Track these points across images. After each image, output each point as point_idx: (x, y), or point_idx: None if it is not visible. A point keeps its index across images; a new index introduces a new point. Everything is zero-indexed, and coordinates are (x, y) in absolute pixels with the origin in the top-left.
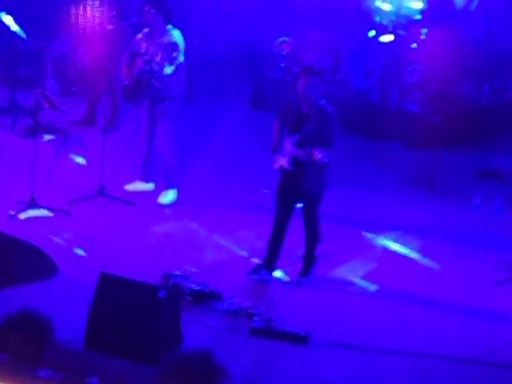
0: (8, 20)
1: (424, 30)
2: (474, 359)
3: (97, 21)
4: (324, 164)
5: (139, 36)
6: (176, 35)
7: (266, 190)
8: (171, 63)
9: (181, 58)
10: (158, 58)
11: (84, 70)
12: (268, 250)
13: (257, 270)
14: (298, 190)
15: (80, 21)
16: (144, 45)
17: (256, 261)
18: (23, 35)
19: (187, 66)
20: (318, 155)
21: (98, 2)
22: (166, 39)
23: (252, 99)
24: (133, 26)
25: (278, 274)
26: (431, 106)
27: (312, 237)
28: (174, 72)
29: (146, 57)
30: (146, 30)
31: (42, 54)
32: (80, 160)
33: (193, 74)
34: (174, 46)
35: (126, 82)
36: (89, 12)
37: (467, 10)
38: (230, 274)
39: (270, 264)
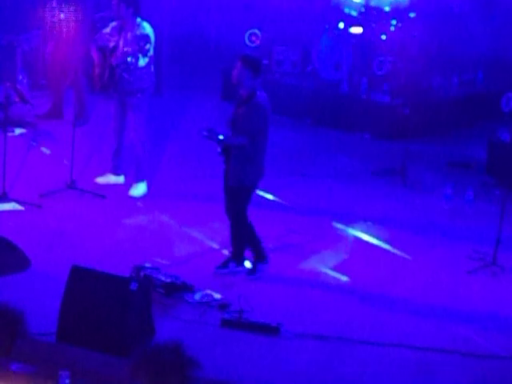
0: None
1: (393, 22)
2: (445, 348)
3: (62, 14)
4: (247, 156)
5: (107, 30)
6: (147, 27)
7: None
8: (145, 55)
9: (151, 51)
10: (130, 51)
11: (49, 63)
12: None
13: (225, 264)
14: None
15: (47, 14)
16: (114, 38)
17: (226, 252)
18: None
19: (156, 59)
20: (231, 140)
21: None
22: (137, 32)
23: (222, 91)
24: (103, 20)
25: (247, 264)
26: (401, 97)
27: (233, 234)
28: (146, 64)
29: (124, 49)
30: (114, 23)
31: (12, 47)
32: (50, 153)
33: (162, 66)
34: (146, 38)
35: (96, 76)
36: (55, 5)
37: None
38: (202, 265)
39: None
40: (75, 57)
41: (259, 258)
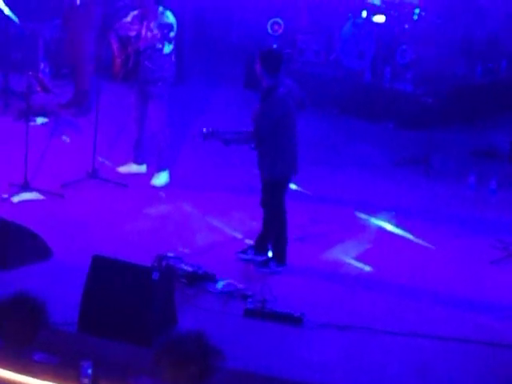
0: (0, 4)
1: (416, 10)
2: (469, 338)
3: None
4: (273, 150)
5: (128, 19)
6: (170, 16)
7: None
8: (170, 42)
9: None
10: (156, 37)
11: (68, 50)
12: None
13: (245, 250)
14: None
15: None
16: (134, 27)
17: (250, 242)
18: (15, 19)
19: (178, 47)
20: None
21: None
22: (161, 20)
23: (245, 79)
24: (125, 8)
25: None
26: (424, 86)
27: (265, 228)
28: (169, 52)
29: (148, 36)
30: (135, 12)
31: (35, 37)
32: (72, 143)
33: (184, 54)
34: (170, 27)
35: (118, 65)
36: None
37: None
38: (224, 255)
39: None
40: (84, 42)
41: (277, 258)
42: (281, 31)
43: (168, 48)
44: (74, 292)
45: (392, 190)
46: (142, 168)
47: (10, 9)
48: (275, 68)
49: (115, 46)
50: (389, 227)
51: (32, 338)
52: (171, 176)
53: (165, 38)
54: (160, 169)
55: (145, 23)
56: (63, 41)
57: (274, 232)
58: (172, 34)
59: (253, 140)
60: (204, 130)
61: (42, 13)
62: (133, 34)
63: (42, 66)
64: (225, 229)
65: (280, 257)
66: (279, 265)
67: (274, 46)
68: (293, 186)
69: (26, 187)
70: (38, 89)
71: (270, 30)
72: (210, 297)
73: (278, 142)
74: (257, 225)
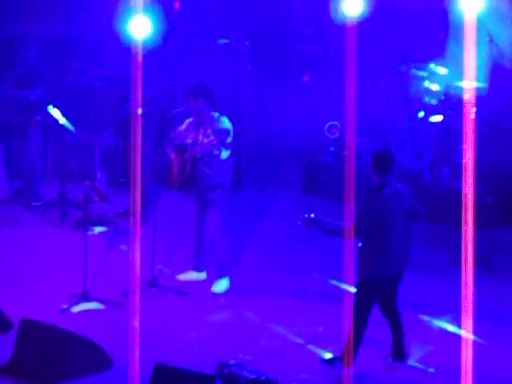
0: (56, 113)
1: (473, 109)
2: None
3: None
4: (367, 248)
5: (183, 126)
6: (225, 122)
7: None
8: (227, 148)
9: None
10: (213, 144)
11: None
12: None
13: (331, 361)
14: None
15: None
16: (190, 135)
17: (312, 348)
18: (71, 128)
19: (236, 153)
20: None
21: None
22: (217, 126)
23: (303, 184)
24: (180, 116)
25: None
26: (484, 184)
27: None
28: (226, 158)
29: (205, 142)
30: (190, 119)
31: (91, 146)
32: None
33: (242, 160)
34: (226, 132)
35: (175, 173)
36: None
37: None
38: (286, 361)
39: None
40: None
41: (344, 358)
42: (338, 134)
43: (225, 154)
44: None
45: (453, 290)
46: (202, 275)
47: (66, 118)
48: (384, 168)
49: (172, 154)
50: (451, 328)
51: None
52: (231, 282)
53: (222, 144)
54: (220, 275)
55: (201, 130)
56: (119, 149)
57: (353, 332)
58: (229, 140)
59: (353, 236)
60: (306, 215)
61: (97, 122)
62: (189, 141)
63: (98, 174)
64: (286, 334)
65: (346, 358)
66: (343, 366)
67: (331, 148)
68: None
69: (85, 297)
70: (96, 198)
71: (327, 133)
72: None
73: (374, 241)
74: (318, 329)
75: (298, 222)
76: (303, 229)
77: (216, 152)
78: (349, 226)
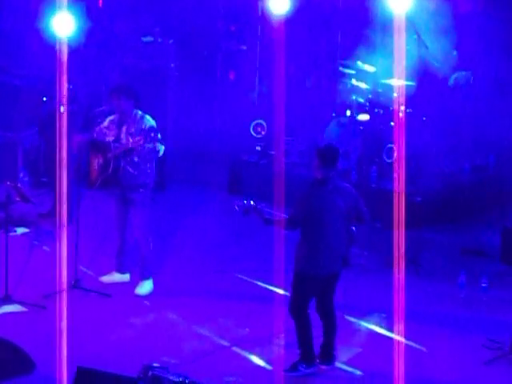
0: None
1: (402, 108)
2: None
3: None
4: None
5: (105, 124)
6: (149, 120)
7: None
8: (162, 143)
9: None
10: (136, 144)
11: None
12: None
13: (295, 366)
14: None
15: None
16: (111, 132)
17: (238, 350)
18: None
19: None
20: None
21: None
22: (143, 125)
23: (229, 184)
24: (103, 114)
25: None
26: (412, 185)
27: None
28: (148, 159)
29: (130, 141)
30: (111, 117)
31: (13, 145)
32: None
33: (166, 160)
34: (154, 129)
35: (95, 171)
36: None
37: (455, 87)
38: (212, 364)
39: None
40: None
41: (303, 359)
42: (264, 133)
43: (162, 149)
44: None
45: (382, 291)
46: (126, 277)
47: None
48: (330, 162)
49: (92, 152)
50: (379, 330)
51: None
52: (155, 284)
53: (155, 140)
54: (143, 277)
55: (124, 128)
56: (42, 149)
57: (297, 331)
58: (159, 135)
59: (288, 226)
60: (245, 201)
61: (20, 122)
62: (110, 139)
63: (21, 175)
64: (211, 336)
65: (308, 357)
66: (308, 366)
67: (258, 148)
68: (280, 291)
69: (7, 299)
70: (18, 199)
71: (253, 132)
72: None
73: (311, 237)
74: (244, 332)
75: (236, 208)
76: (240, 215)
77: (148, 146)
78: (288, 217)
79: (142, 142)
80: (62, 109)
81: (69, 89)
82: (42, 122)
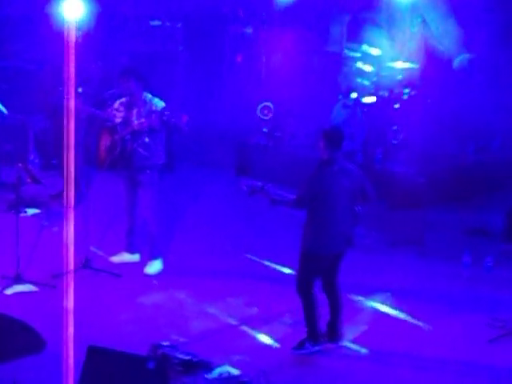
0: None
1: (406, 90)
2: None
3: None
4: (311, 221)
5: (115, 106)
6: (159, 102)
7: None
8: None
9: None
10: (145, 125)
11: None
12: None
13: (301, 344)
14: None
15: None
16: (120, 114)
17: (246, 329)
18: (4, 110)
19: (168, 134)
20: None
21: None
22: (153, 106)
23: (236, 165)
24: (113, 97)
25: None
26: (416, 166)
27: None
28: (159, 140)
29: (140, 122)
30: (122, 99)
31: (24, 128)
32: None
33: (174, 142)
34: (166, 109)
35: (103, 152)
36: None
37: (459, 69)
38: (220, 342)
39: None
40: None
41: (310, 337)
42: (271, 115)
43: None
44: None
45: (387, 270)
46: (135, 257)
47: None
48: (336, 143)
49: (102, 134)
50: (384, 308)
51: None
52: (165, 263)
53: (170, 119)
54: (153, 257)
55: (134, 111)
56: (52, 132)
57: (304, 310)
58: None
59: (295, 206)
60: (254, 183)
61: (30, 105)
62: (119, 120)
63: (31, 157)
64: (219, 315)
65: (314, 335)
66: (315, 344)
67: (264, 129)
68: (286, 270)
69: (18, 279)
70: (28, 180)
71: (260, 114)
72: None
73: (318, 216)
74: (252, 310)
75: (245, 188)
76: (248, 195)
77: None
78: (295, 198)
79: (145, 125)
80: (80, 89)
81: (82, 71)
82: (52, 109)
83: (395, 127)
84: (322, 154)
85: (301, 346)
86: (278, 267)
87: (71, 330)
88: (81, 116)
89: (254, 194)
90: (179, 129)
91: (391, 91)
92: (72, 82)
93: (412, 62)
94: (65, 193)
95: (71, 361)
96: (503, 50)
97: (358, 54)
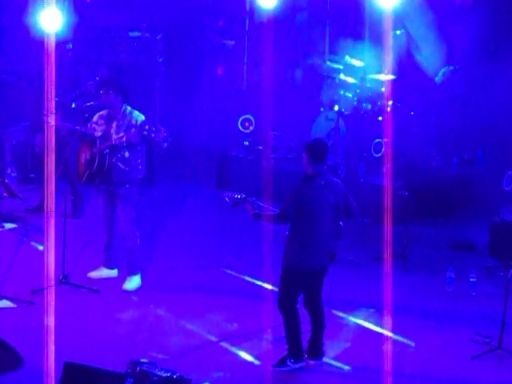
0: None
1: (389, 103)
2: None
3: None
4: (292, 235)
5: (94, 119)
6: (139, 115)
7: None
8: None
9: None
10: (126, 139)
11: (39, 155)
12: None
13: (283, 361)
14: None
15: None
16: (100, 127)
17: (226, 345)
18: None
19: (149, 148)
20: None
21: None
22: (132, 120)
23: (217, 179)
24: (92, 109)
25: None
26: (400, 179)
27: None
28: (139, 154)
29: (120, 136)
30: (101, 112)
31: (1, 141)
32: (42, 248)
33: (154, 155)
34: (146, 122)
35: (82, 166)
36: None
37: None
38: (200, 359)
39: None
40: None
41: (291, 354)
42: (252, 128)
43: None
44: None
45: (370, 285)
46: (114, 272)
47: None
48: (319, 157)
49: (81, 147)
50: (367, 324)
51: None
52: (143, 279)
53: (151, 132)
54: (131, 273)
55: (114, 124)
56: (31, 145)
57: (286, 326)
58: (153, 128)
59: (278, 221)
60: (236, 194)
61: (7, 117)
62: (98, 134)
63: (8, 170)
64: (199, 332)
65: (296, 352)
66: (296, 361)
67: (245, 143)
68: (268, 286)
69: None
70: (5, 194)
71: (240, 127)
72: None
73: (300, 231)
74: (232, 327)
75: (227, 199)
76: (230, 207)
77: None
78: (278, 212)
79: (124, 139)
80: (73, 105)
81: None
82: (37, 123)
83: (378, 140)
84: (307, 169)
85: (282, 362)
86: (259, 283)
87: (52, 347)
88: (61, 133)
89: (236, 206)
90: (158, 144)
91: (374, 103)
92: (52, 95)
93: (395, 74)
94: (45, 208)
95: (52, 378)
96: (485, 62)
97: (341, 66)
